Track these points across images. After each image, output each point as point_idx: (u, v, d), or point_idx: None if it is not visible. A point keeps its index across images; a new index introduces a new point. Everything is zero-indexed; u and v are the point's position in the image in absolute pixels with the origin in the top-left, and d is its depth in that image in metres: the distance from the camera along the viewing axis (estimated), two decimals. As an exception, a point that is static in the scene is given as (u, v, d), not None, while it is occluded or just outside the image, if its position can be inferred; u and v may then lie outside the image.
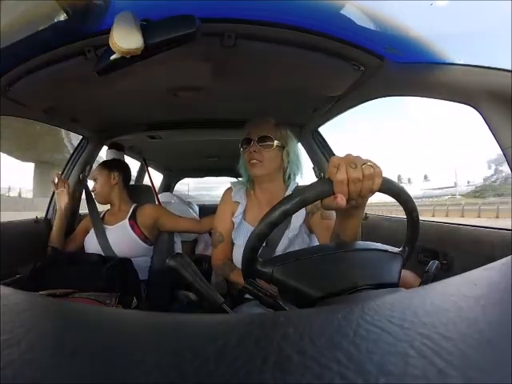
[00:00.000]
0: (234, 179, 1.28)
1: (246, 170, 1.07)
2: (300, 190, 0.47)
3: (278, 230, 0.94)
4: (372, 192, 0.47)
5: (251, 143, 0.99)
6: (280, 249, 0.95)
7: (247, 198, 1.11)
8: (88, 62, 0.78)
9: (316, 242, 0.99)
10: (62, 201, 1.34)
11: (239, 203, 1.10)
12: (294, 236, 0.96)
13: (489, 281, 0.32)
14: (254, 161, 0.99)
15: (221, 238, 1.10)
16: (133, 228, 1.32)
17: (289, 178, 1.06)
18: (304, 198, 0.45)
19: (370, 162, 0.46)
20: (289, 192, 1.04)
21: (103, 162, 1.46)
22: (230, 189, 1.15)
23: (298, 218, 0.97)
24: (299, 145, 1.78)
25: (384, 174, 0.48)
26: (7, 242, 1.21)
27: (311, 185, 0.47)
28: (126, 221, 1.33)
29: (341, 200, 0.45)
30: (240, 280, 0.97)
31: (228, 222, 1.10)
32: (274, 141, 1.00)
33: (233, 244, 1.07)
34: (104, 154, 1.68)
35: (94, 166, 1.63)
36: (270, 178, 1.04)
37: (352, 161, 0.45)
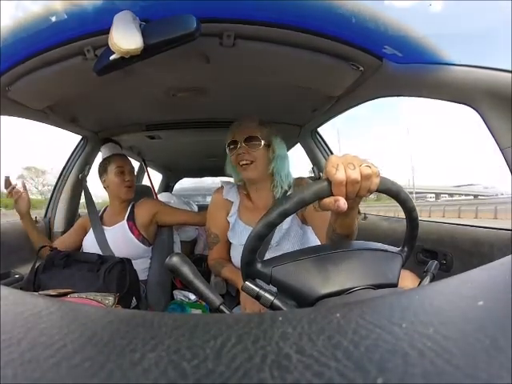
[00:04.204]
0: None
1: (235, 171, 1.06)
2: (299, 190, 0.47)
3: None
4: (370, 192, 0.47)
5: (238, 145, 0.99)
6: (274, 242, 0.97)
7: (240, 196, 1.10)
8: (87, 62, 0.78)
9: (309, 234, 1.00)
10: (25, 205, 1.24)
11: (232, 202, 1.09)
12: (286, 229, 0.97)
13: (488, 281, 0.32)
14: (244, 161, 0.98)
15: (216, 240, 1.10)
16: (131, 229, 1.31)
17: (276, 175, 1.03)
18: (302, 198, 0.45)
19: (367, 162, 0.46)
20: (277, 192, 1.03)
21: (129, 159, 1.43)
22: (221, 188, 1.14)
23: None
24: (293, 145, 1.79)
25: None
26: (7, 241, 1.21)
27: (309, 185, 0.47)
28: (124, 222, 1.33)
29: (343, 204, 0.44)
30: (231, 276, 0.98)
31: (222, 222, 1.09)
32: (260, 140, 0.99)
33: (229, 243, 1.07)
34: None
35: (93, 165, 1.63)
36: (263, 178, 1.03)
37: (350, 161, 0.45)
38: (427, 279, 0.56)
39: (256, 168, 0.99)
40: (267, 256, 0.95)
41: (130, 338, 0.20)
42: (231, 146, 1.01)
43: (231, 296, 1.14)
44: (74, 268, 1.08)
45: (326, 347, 0.18)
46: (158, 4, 0.67)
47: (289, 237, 0.97)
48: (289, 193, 1.02)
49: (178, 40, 0.65)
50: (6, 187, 1.21)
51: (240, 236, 1.03)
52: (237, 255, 1.02)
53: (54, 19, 0.66)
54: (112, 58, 0.66)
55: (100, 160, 1.46)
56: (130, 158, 1.46)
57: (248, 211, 1.06)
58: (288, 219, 0.95)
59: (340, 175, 0.44)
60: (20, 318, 0.23)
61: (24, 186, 1.25)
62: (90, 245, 1.29)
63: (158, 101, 1.21)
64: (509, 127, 0.67)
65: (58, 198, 1.56)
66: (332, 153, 1.65)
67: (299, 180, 1.07)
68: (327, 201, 0.46)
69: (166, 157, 2.39)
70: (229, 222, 1.07)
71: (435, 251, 1.04)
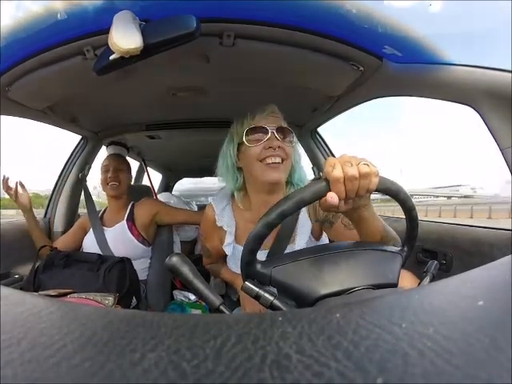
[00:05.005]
0: None
1: (234, 175, 0.84)
2: (297, 190, 0.47)
3: (280, 244, 0.83)
4: (369, 191, 0.47)
5: (268, 134, 0.75)
6: None
7: (236, 216, 0.89)
8: (87, 62, 0.78)
9: None
10: (26, 202, 1.27)
11: (226, 231, 0.88)
12: None
13: (487, 281, 0.32)
14: (278, 159, 0.75)
15: (208, 254, 1.02)
16: (131, 230, 1.31)
17: (292, 185, 0.86)
18: (301, 198, 0.45)
19: (365, 161, 0.46)
20: None
21: (125, 158, 1.47)
22: (211, 207, 0.92)
23: (303, 235, 0.83)
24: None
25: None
26: (7, 241, 1.21)
27: (308, 185, 0.47)
28: (124, 222, 1.33)
29: (330, 198, 0.45)
30: (230, 277, 0.95)
31: (216, 245, 0.95)
32: (294, 135, 0.80)
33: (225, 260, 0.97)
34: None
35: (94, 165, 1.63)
36: (279, 187, 0.82)
37: (347, 159, 0.46)
38: (427, 279, 0.56)
39: (286, 168, 0.78)
40: None
41: (130, 338, 0.20)
42: (253, 134, 0.77)
43: (230, 297, 1.14)
44: (73, 268, 1.08)
45: (326, 347, 0.18)
46: (157, 4, 0.67)
47: None
48: None
49: (178, 40, 0.65)
50: (4, 188, 1.24)
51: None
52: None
53: (53, 19, 0.66)
54: (112, 57, 0.66)
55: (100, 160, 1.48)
56: (128, 158, 1.47)
57: (250, 230, 0.88)
58: (302, 243, 0.82)
59: (337, 173, 0.45)
60: (20, 318, 0.23)
61: (22, 185, 1.28)
62: (90, 245, 1.29)
63: (157, 101, 1.21)
64: (509, 127, 0.67)
65: (57, 197, 1.56)
66: (332, 153, 1.64)
67: None
68: (325, 200, 0.46)
69: (165, 157, 2.39)
70: (225, 251, 0.91)
71: (435, 251, 1.04)
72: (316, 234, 0.87)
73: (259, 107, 0.83)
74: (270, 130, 0.76)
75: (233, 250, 0.89)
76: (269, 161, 0.75)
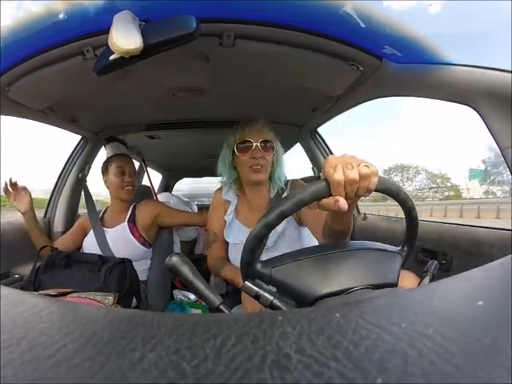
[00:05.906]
0: None
1: (231, 172, 1.07)
2: (297, 190, 0.47)
3: None
4: (368, 191, 0.47)
5: (253, 147, 0.97)
6: (270, 243, 0.97)
7: (237, 196, 1.12)
8: (87, 62, 0.78)
9: (305, 235, 1.01)
10: (26, 204, 1.25)
11: (230, 202, 1.11)
12: (282, 230, 0.97)
13: (487, 280, 0.32)
14: (259, 166, 0.98)
15: (215, 238, 1.12)
16: (132, 231, 1.30)
17: (274, 177, 1.05)
18: (301, 199, 0.45)
19: (365, 161, 0.46)
20: (273, 193, 1.06)
21: (131, 160, 1.41)
22: (220, 188, 1.17)
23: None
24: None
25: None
26: (7, 241, 1.21)
27: (308, 185, 0.47)
28: (125, 224, 1.32)
29: (343, 204, 0.44)
30: (231, 275, 0.99)
31: (221, 220, 1.11)
32: (274, 145, 1.01)
33: (227, 243, 1.08)
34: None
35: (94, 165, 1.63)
36: (263, 182, 1.04)
37: (348, 161, 0.45)
38: (427, 279, 0.56)
39: (265, 171, 1.01)
40: (264, 257, 0.94)
41: (130, 338, 0.20)
42: (242, 146, 0.99)
43: (231, 296, 1.14)
44: (74, 268, 1.07)
45: (326, 347, 0.18)
46: (157, 4, 0.68)
47: (284, 237, 0.98)
48: (284, 194, 1.03)
49: (178, 40, 0.65)
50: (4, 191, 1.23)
51: (236, 235, 1.05)
52: (234, 253, 1.04)
53: (53, 19, 0.66)
54: (112, 57, 0.66)
55: (101, 160, 1.46)
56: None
57: (245, 211, 1.08)
58: (283, 221, 0.94)
59: (338, 176, 0.44)
60: (20, 317, 0.23)
61: (22, 187, 1.27)
62: (91, 245, 1.29)
63: (157, 101, 1.21)
64: (509, 127, 0.67)
65: (57, 198, 1.56)
66: (332, 153, 1.64)
67: (295, 182, 1.09)
68: (326, 201, 0.46)
69: (165, 157, 2.38)
70: (225, 221, 1.09)
71: (435, 251, 1.04)
72: (296, 217, 1.00)
73: (249, 122, 1.03)
74: (254, 144, 0.98)
75: (231, 221, 1.08)
76: (254, 167, 0.98)
